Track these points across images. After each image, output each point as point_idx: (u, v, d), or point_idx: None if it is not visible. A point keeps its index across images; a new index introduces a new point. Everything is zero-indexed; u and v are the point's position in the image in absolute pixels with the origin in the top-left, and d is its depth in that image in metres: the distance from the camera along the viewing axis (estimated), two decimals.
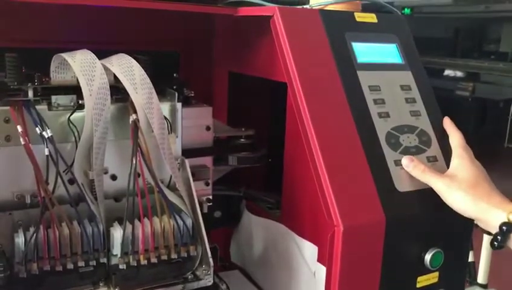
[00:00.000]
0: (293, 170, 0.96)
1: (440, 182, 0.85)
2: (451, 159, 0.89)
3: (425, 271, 0.89)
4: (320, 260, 0.88)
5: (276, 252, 1.05)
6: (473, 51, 4.82)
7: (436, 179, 0.86)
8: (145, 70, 0.87)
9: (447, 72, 4.66)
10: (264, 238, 1.10)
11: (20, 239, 0.78)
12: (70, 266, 0.80)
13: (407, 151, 0.91)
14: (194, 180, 0.97)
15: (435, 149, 0.94)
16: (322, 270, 0.87)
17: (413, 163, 0.88)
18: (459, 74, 4.57)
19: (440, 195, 0.85)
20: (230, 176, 1.17)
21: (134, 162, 0.82)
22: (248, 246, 1.17)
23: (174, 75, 1.09)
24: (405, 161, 0.89)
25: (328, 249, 0.82)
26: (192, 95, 1.03)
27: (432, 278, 0.90)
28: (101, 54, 0.88)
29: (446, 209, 0.84)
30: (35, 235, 0.77)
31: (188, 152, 1.00)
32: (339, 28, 0.96)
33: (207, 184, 1.06)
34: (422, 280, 0.89)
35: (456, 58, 4.68)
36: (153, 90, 0.85)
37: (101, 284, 0.83)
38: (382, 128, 0.91)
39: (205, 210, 1.03)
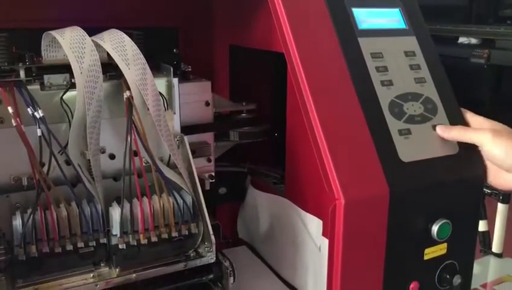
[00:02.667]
0: (295, 144, 0.93)
1: (483, 135, 0.86)
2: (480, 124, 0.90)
3: (433, 243, 0.87)
4: (325, 234, 0.86)
5: (281, 227, 1.03)
6: (488, 16, 4.68)
7: (478, 132, 0.87)
8: (139, 46, 0.84)
9: (461, 39, 4.54)
10: (269, 213, 1.09)
11: (17, 222, 0.77)
12: (69, 247, 0.79)
13: (411, 119, 0.88)
14: (195, 157, 0.95)
15: (441, 117, 0.90)
16: (327, 244, 0.85)
17: (449, 127, 0.90)
18: (473, 41, 4.45)
19: (484, 149, 0.86)
20: (236, 152, 1.15)
21: (128, 140, 0.80)
22: (254, 221, 1.15)
23: (174, 50, 1.07)
24: (439, 130, 0.89)
25: (329, 223, 0.80)
26: (190, 69, 1.01)
27: (439, 249, 0.88)
28: (95, 31, 0.86)
29: (452, 178, 0.82)
30: (32, 217, 0.76)
31: (187, 129, 0.98)
32: None
33: (209, 160, 1.04)
34: (430, 252, 0.87)
35: (470, 25, 4.55)
36: (147, 66, 0.83)
37: (102, 264, 0.83)
38: (385, 96, 0.87)
39: (207, 187, 1.01)
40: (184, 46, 1.22)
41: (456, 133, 0.88)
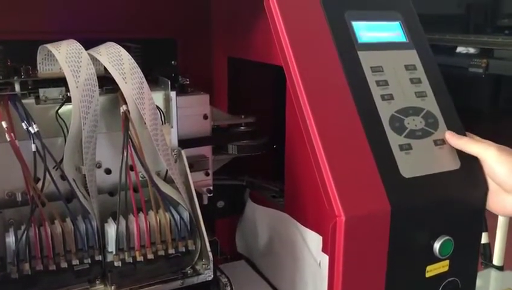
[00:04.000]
0: (294, 158, 0.92)
1: (488, 150, 0.85)
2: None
3: (435, 260, 0.85)
4: (325, 250, 0.84)
5: (280, 241, 1.02)
6: (486, 26, 4.69)
7: (484, 145, 0.86)
8: (137, 59, 0.83)
9: (460, 49, 4.54)
10: (268, 227, 1.07)
11: (11, 238, 0.76)
12: (64, 264, 0.78)
13: (412, 134, 0.86)
14: (193, 171, 0.94)
15: (442, 131, 0.89)
16: (327, 260, 0.83)
17: (458, 135, 0.89)
18: (471, 50, 4.46)
19: (488, 163, 0.85)
20: (235, 165, 1.14)
21: (125, 154, 0.79)
22: (253, 236, 1.14)
23: (172, 62, 1.06)
24: (447, 134, 0.89)
25: (330, 240, 0.79)
26: (188, 82, 1.00)
27: (441, 267, 0.86)
28: (92, 44, 0.85)
29: (455, 194, 0.80)
30: (25, 234, 0.75)
31: (185, 142, 0.97)
32: (338, 6, 0.91)
33: (207, 174, 1.03)
34: (432, 269, 0.85)
35: (468, 35, 4.56)
36: (144, 80, 0.82)
37: (97, 282, 0.81)
38: (385, 111, 0.86)
39: (205, 201, 1.00)
40: (182, 58, 1.21)
41: (463, 142, 0.87)
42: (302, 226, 0.92)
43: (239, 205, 1.17)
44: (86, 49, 0.81)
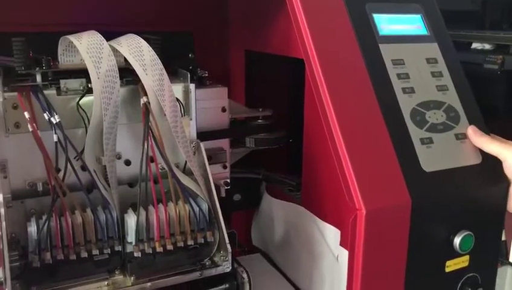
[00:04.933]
0: (312, 151, 0.92)
1: (508, 149, 0.84)
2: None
3: (455, 255, 0.85)
4: (343, 244, 0.84)
5: (297, 235, 1.02)
6: (502, 22, 4.63)
7: (505, 145, 0.85)
8: (156, 51, 0.83)
9: (475, 45, 4.50)
10: (285, 221, 1.07)
11: (32, 228, 0.76)
12: (84, 254, 0.78)
13: (433, 128, 0.86)
14: (211, 164, 0.94)
15: (463, 125, 0.88)
16: (345, 254, 0.83)
17: (480, 132, 0.88)
18: (487, 46, 4.41)
19: (508, 164, 0.84)
20: (251, 158, 1.14)
21: (145, 146, 0.79)
22: (269, 229, 1.14)
23: (190, 55, 1.06)
24: (469, 129, 0.88)
25: (350, 234, 0.78)
26: (207, 75, 1.00)
27: (461, 262, 0.85)
28: (112, 36, 0.85)
29: (476, 189, 0.80)
30: (47, 223, 0.75)
31: (203, 135, 0.97)
32: None
33: (224, 167, 1.03)
34: (452, 264, 0.85)
35: (484, 31, 4.51)
36: (164, 72, 0.82)
37: (116, 272, 0.81)
38: (406, 104, 0.86)
39: (223, 194, 1.00)
40: (199, 51, 1.21)
41: (483, 141, 0.87)
42: (320, 220, 0.92)
43: (255, 199, 1.17)
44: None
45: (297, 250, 1.02)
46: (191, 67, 0.96)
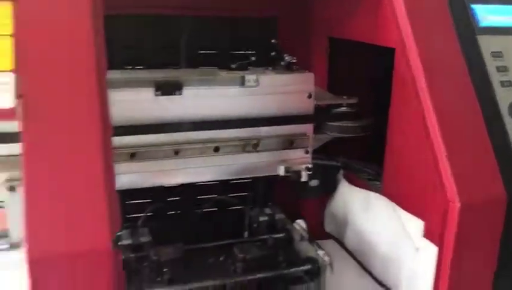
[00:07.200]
0: (397, 141, 0.91)
1: None
2: None
3: None
4: (427, 236, 0.83)
5: (374, 224, 1.02)
6: None
7: None
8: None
9: None
10: (362, 209, 1.07)
11: None
12: None
13: None
14: (293, 148, 0.96)
15: None
16: (428, 246, 0.82)
17: None
18: None
19: None
20: (328, 145, 1.14)
21: None
22: (344, 216, 1.14)
23: (273, 41, 1.07)
24: None
25: (440, 227, 0.78)
26: (295, 60, 1.01)
27: None
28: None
29: None
30: None
31: (288, 119, 0.98)
32: None
33: (306, 152, 1.04)
34: None
35: None
36: None
37: None
38: (504, 98, 0.83)
39: (304, 178, 1.01)
40: (281, 36, 1.22)
41: None
42: (401, 210, 0.91)
43: (331, 185, 1.18)
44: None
45: (373, 238, 1.02)
46: (273, 53, 0.97)
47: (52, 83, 0.61)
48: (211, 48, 1.13)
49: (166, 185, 0.96)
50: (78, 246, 0.56)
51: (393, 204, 0.94)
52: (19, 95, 0.60)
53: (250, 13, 1.16)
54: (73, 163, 0.58)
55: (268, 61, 1.05)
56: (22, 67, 0.60)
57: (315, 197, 1.18)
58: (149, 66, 1.06)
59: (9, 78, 0.60)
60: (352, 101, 1.06)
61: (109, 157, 0.59)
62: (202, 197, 1.11)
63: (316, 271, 0.89)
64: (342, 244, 1.16)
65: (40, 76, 0.61)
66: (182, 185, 0.96)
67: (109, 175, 0.58)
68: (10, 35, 0.61)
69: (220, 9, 1.10)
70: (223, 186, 1.09)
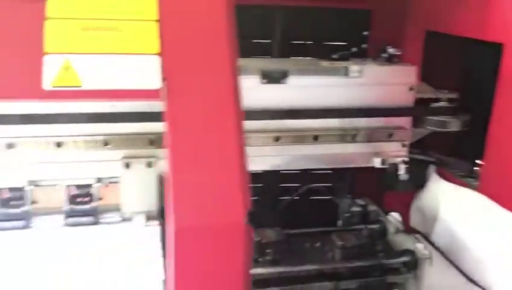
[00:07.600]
0: (500, 138, 0.89)
1: None
2: None
3: None
4: None
5: (467, 221, 1.00)
6: None
7: None
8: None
9: None
10: (455, 206, 1.05)
11: None
12: None
13: None
14: (390, 141, 0.96)
15: None
16: None
17: None
18: None
19: None
20: (420, 140, 1.13)
21: None
22: (433, 212, 1.13)
23: (364, 33, 1.07)
24: None
25: None
26: (399, 53, 1.00)
27: None
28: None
29: None
30: None
31: (388, 111, 0.99)
32: None
33: (403, 145, 1.04)
34: None
35: None
36: None
37: None
38: None
39: (402, 171, 1.01)
40: (375, 29, 1.21)
41: None
42: (502, 208, 0.89)
43: (421, 180, 1.16)
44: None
45: (466, 236, 1.00)
46: (364, 45, 0.97)
47: (192, 67, 0.64)
48: (302, 38, 1.14)
49: (263, 170, 0.98)
50: (219, 219, 0.60)
51: (491, 202, 0.93)
52: (163, 78, 0.64)
53: (344, 5, 1.16)
54: (212, 143, 0.61)
55: (358, 53, 1.05)
56: (166, 52, 0.64)
57: (404, 190, 1.17)
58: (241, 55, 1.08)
59: (155, 61, 0.64)
60: (453, 95, 1.05)
61: (242, 139, 0.62)
62: (283, 185, 1.12)
63: (414, 263, 0.90)
64: (427, 239, 1.15)
65: (181, 60, 0.64)
66: (265, 172, 0.98)
67: (243, 155, 0.61)
68: (156, 21, 0.65)
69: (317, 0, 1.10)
70: (303, 175, 1.10)
